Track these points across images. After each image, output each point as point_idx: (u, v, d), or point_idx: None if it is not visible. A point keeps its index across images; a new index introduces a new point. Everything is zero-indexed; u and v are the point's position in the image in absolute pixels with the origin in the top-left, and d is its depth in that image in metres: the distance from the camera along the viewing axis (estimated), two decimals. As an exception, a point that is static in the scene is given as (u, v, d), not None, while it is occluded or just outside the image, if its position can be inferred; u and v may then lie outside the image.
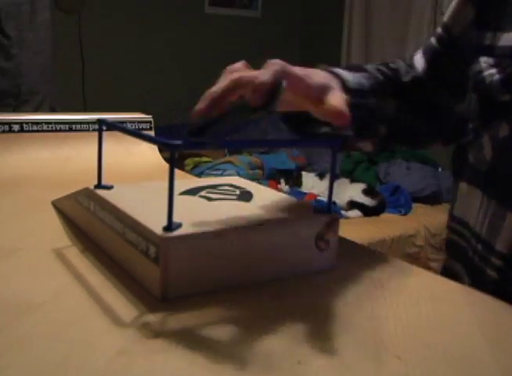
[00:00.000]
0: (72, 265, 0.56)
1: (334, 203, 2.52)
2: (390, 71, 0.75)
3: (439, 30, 0.76)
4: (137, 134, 0.55)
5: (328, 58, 4.46)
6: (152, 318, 0.45)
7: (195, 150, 3.03)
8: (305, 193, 2.72)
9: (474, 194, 0.68)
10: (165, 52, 4.13)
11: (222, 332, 0.44)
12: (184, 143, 0.47)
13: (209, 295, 0.49)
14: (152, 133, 1.07)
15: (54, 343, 0.41)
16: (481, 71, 0.65)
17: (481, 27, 0.67)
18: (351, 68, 0.69)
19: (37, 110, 1.72)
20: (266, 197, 0.65)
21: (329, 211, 0.58)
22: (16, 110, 1.67)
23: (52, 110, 1.78)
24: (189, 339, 0.43)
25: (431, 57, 0.77)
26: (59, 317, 0.45)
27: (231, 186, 0.69)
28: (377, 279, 0.57)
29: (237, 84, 0.50)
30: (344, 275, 0.57)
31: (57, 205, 0.74)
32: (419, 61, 0.78)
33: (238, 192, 0.66)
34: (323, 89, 0.55)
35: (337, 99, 0.53)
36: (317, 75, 0.57)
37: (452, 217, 0.74)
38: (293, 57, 4.90)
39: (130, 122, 1.06)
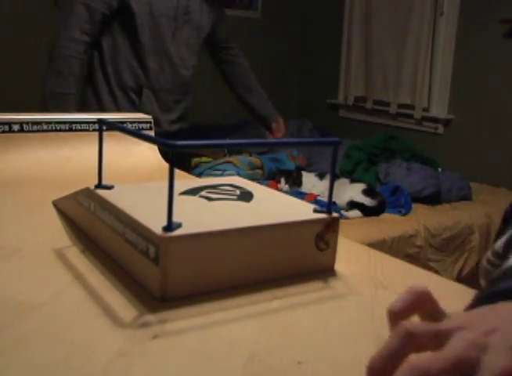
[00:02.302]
0: (72, 266, 0.56)
1: (334, 203, 2.52)
2: None
3: None
4: (137, 134, 0.55)
5: (328, 58, 4.47)
6: (152, 318, 0.45)
7: (195, 150, 3.03)
8: (305, 193, 2.72)
9: None
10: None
11: (222, 332, 0.44)
12: (184, 143, 0.47)
13: (209, 295, 0.49)
14: (152, 133, 1.07)
15: (54, 343, 0.41)
16: None
17: None
18: None
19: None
20: (266, 197, 0.65)
21: (329, 211, 0.58)
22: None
23: None
24: (189, 339, 0.43)
25: None
26: (59, 317, 0.45)
27: (231, 186, 0.69)
28: (377, 279, 0.57)
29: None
30: (344, 275, 0.57)
31: (57, 205, 0.74)
32: None
33: (238, 192, 0.66)
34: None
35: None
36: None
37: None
38: (294, 57, 4.84)
39: (130, 122, 1.06)
